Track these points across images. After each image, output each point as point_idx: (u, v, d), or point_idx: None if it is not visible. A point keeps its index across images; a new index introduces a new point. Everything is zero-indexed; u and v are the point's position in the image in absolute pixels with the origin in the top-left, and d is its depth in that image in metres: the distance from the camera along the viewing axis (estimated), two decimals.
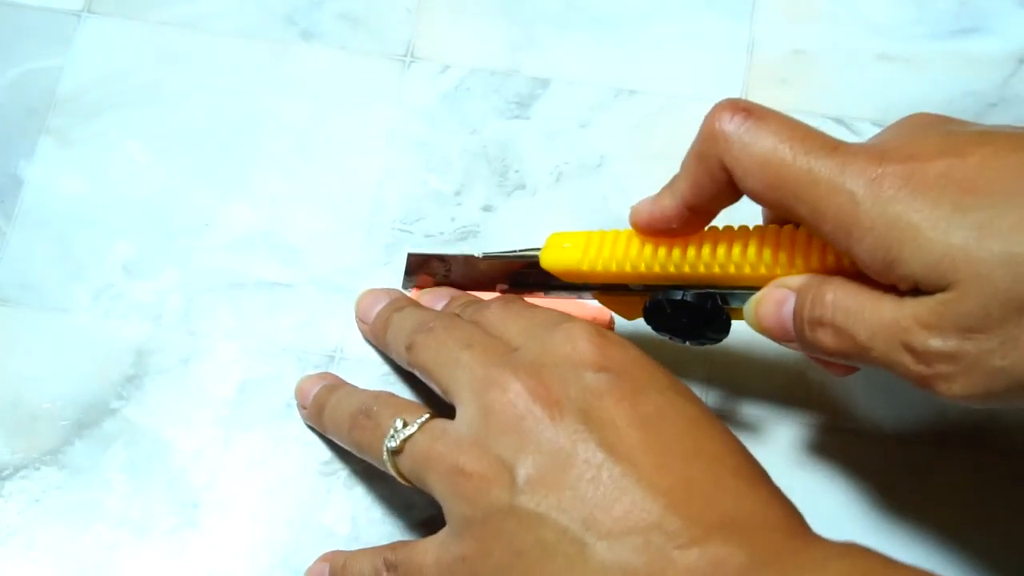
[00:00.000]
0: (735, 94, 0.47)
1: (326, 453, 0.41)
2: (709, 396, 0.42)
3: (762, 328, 0.35)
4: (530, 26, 0.48)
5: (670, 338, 0.39)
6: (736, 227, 0.36)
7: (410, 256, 0.43)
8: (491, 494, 0.33)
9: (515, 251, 0.41)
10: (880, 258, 0.31)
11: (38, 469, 0.41)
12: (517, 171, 0.45)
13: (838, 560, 0.29)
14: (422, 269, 0.43)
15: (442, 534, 0.34)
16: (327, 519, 0.40)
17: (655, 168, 0.45)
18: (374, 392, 0.39)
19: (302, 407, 0.41)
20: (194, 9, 0.48)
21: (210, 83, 0.46)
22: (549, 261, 0.39)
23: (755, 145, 0.32)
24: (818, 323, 0.33)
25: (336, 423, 0.39)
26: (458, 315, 0.39)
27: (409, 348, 0.38)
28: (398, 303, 0.42)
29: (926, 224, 0.30)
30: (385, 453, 0.36)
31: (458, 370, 0.36)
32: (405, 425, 0.36)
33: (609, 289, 0.39)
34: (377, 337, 0.42)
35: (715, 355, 0.43)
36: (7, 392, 0.42)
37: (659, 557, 0.30)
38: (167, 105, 0.46)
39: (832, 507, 0.41)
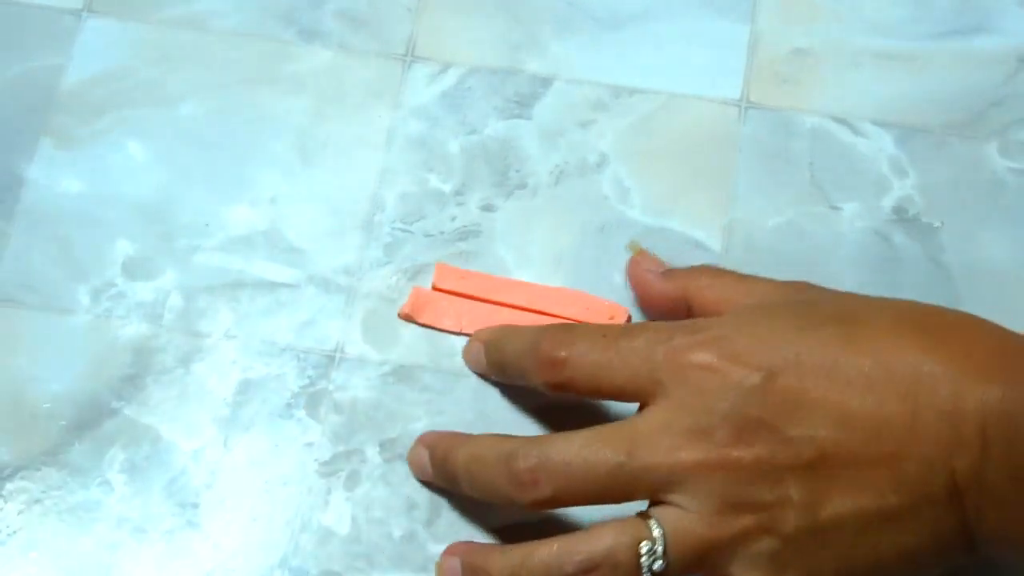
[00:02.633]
0: (735, 94, 0.47)
1: (326, 453, 0.41)
2: None
3: None
4: (531, 25, 0.48)
5: None
6: None
7: None
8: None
9: None
10: None
11: (38, 469, 0.41)
12: (517, 171, 0.45)
13: None
14: None
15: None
16: (327, 519, 0.40)
17: (655, 168, 0.46)
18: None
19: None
20: (194, 9, 0.48)
21: (210, 83, 0.46)
22: None
23: None
24: None
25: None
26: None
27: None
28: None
29: None
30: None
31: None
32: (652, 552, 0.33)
33: None
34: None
35: None
36: (7, 392, 0.42)
37: None
38: (167, 105, 0.46)
39: None
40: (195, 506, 0.40)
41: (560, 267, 0.44)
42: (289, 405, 0.42)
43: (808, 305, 0.36)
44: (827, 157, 0.46)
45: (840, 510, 0.32)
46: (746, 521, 0.32)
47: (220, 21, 0.48)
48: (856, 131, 0.46)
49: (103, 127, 0.46)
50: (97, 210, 0.44)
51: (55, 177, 0.45)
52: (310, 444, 0.41)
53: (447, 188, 0.45)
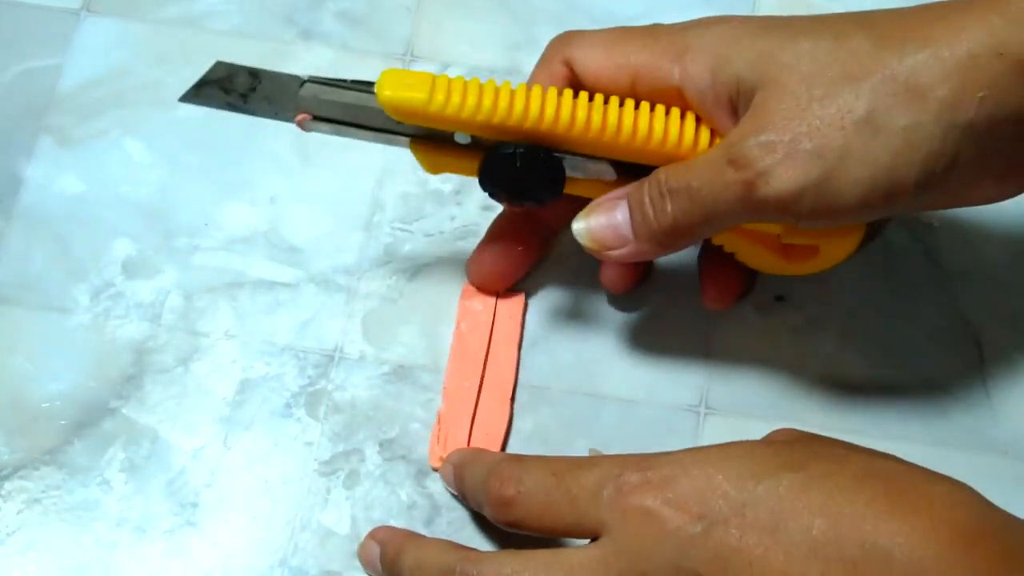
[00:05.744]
0: None
1: (326, 453, 0.41)
2: (710, 394, 0.42)
3: (593, 238, 0.37)
4: (530, 26, 0.48)
5: (502, 197, 0.38)
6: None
7: (218, 65, 0.38)
8: None
9: (347, 80, 0.38)
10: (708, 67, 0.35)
11: (37, 469, 0.40)
12: None
13: None
14: (223, 84, 0.38)
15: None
16: (327, 519, 0.40)
17: None
18: None
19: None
20: (194, 9, 0.48)
21: None
22: (390, 96, 0.35)
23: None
24: (659, 196, 0.36)
25: None
26: None
27: None
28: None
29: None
30: None
31: None
32: None
33: (433, 138, 0.38)
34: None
35: (714, 353, 0.43)
36: (7, 392, 0.41)
37: None
38: (167, 105, 0.46)
39: None
40: (195, 505, 0.40)
41: (559, 266, 0.44)
42: (289, 405, 0.42)
43: (769, 448, 0.34)
44: None
45: None
46: None
47: (220, 21, 0.48)
48: None
49: (102, 127, 0.46)
50: (96, 210, 0.44)
51: (54, 177, 0.45)
52: (310, 443, 0.41)
53: (446, 188, 0.45)
